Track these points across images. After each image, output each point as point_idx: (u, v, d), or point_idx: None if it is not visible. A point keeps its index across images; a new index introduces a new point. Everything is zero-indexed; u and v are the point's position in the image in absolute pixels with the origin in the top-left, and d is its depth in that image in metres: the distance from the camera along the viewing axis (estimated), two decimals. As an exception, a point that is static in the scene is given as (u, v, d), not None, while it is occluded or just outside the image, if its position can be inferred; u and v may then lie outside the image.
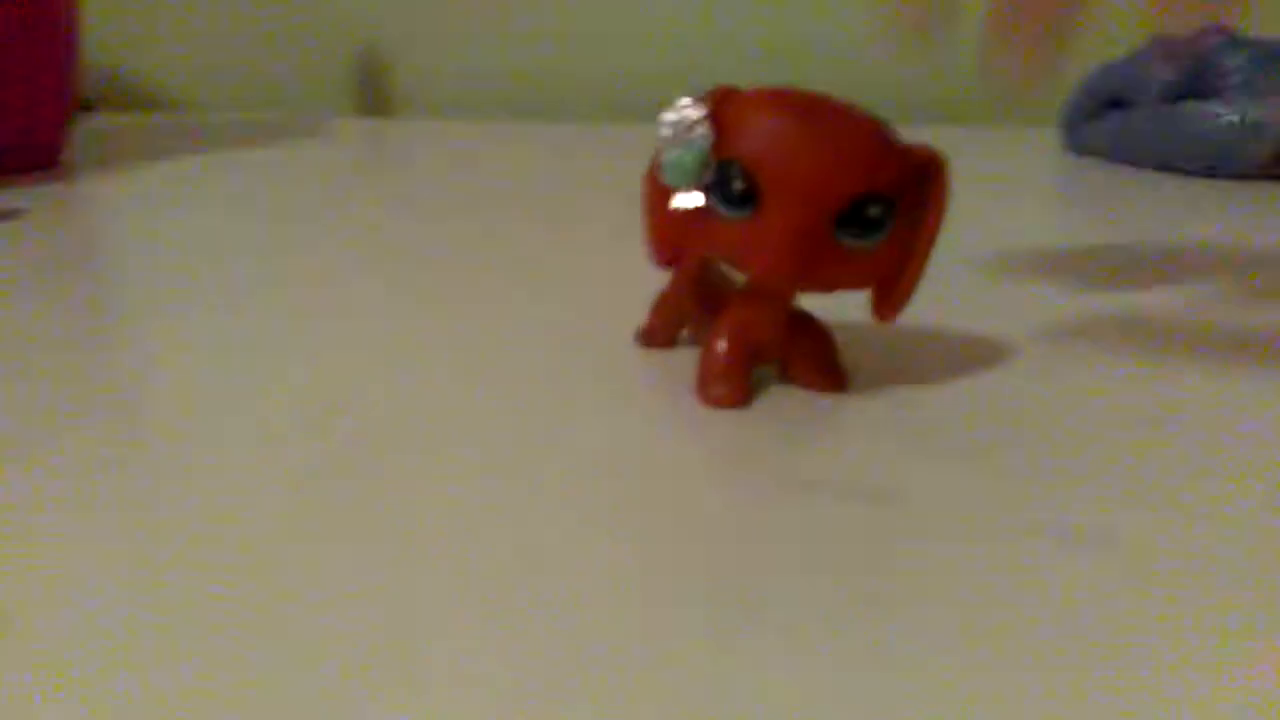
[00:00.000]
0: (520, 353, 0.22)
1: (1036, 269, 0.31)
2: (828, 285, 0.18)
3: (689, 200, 0.17)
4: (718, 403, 0.19)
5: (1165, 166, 0.51)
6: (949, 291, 0.28)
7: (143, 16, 0.80)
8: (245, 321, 0.25)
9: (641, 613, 0.12)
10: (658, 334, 0.22)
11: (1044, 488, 0.16)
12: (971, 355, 0.23)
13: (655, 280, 0.21)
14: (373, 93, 0.80)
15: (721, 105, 0.17)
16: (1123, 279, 0.29)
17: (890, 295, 0.19)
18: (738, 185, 0.17)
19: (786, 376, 0.20)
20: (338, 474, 0.16)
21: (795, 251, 0.17)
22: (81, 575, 0.13)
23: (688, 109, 0.17)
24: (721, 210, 0.17)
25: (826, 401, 0.20)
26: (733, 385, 0.19)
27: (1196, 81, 0.50)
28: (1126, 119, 0.53)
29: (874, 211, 0.17)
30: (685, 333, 0.23)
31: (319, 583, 0.13)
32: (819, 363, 0.20)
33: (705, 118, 0.17)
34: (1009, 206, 0.42)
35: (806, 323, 0.20)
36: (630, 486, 0.16)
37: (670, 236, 0.19)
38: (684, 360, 0.22)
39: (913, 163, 0.17)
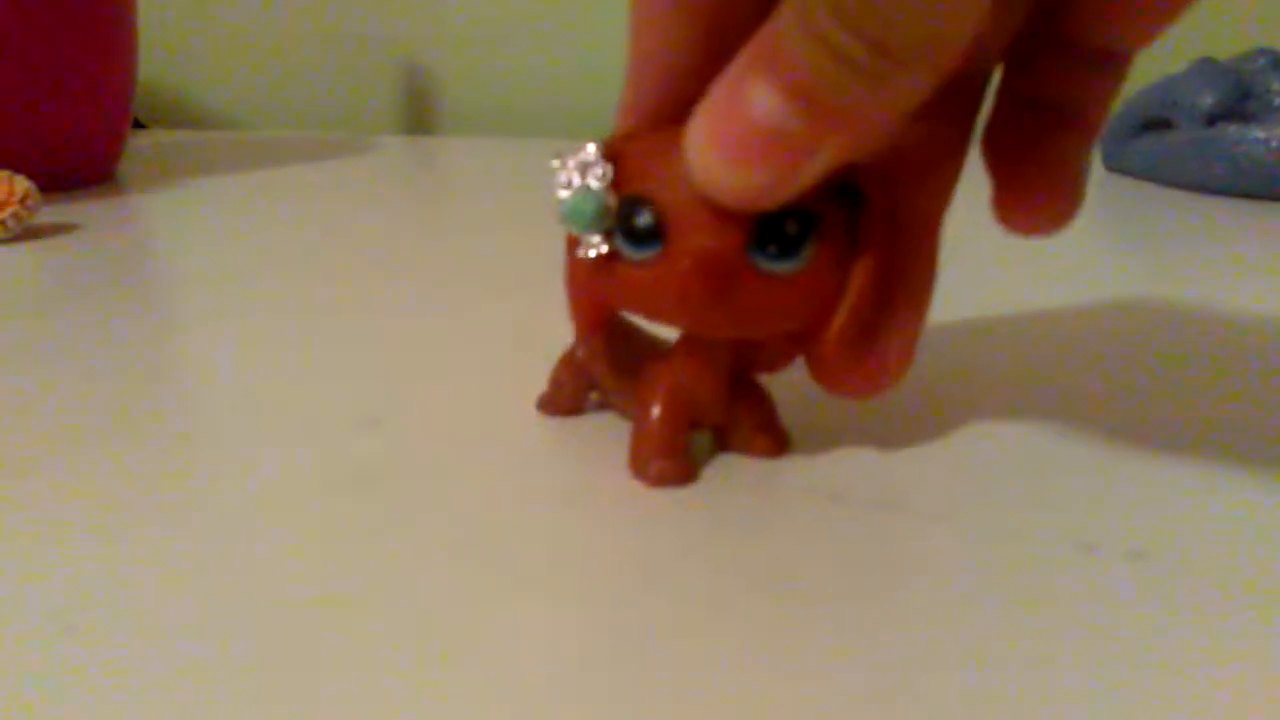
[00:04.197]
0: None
1: (1066, 289, 0.31)
2: (751, 320, 0.16)
3: (593, 248, 0.16)
4: (658, 481, 0.17)
5: (1204, 188, 0.50)
6: (976, 312, 0.28)
7: (193, 37, 0.82)
8: (290, 332, 0.26)
9: None
10: (563, 399, 0.20)
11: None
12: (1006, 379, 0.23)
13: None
14: (417, 111, 0.82)
15: (616, 145, 0.16)
16: (1154, 298, 0.29)
17: (827, 331, 0.16)
18: (642, 220, 0.15)
19: (722, 442, 0.18)
20: (375, 479, 0.17)
21: (706, 279, 0.15)
22: (133, 575, 0.14)
23: (580, 152, 0.16)
24: (627, 251, 0.16)
25: (772, 467, 0.18)
26: (674, 459, 0.17)
27: (1237, 104, 0.49)
28: (1166, 140, 0.52)
29: (792, 228, 0.15)
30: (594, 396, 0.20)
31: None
32: (758, 424, 0.18)
33: (601, 156, 0.15)
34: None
35: (741, 382, 0.18)
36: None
37: (592, 298, 0.17)
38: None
39: (835, 182, 0.15)
